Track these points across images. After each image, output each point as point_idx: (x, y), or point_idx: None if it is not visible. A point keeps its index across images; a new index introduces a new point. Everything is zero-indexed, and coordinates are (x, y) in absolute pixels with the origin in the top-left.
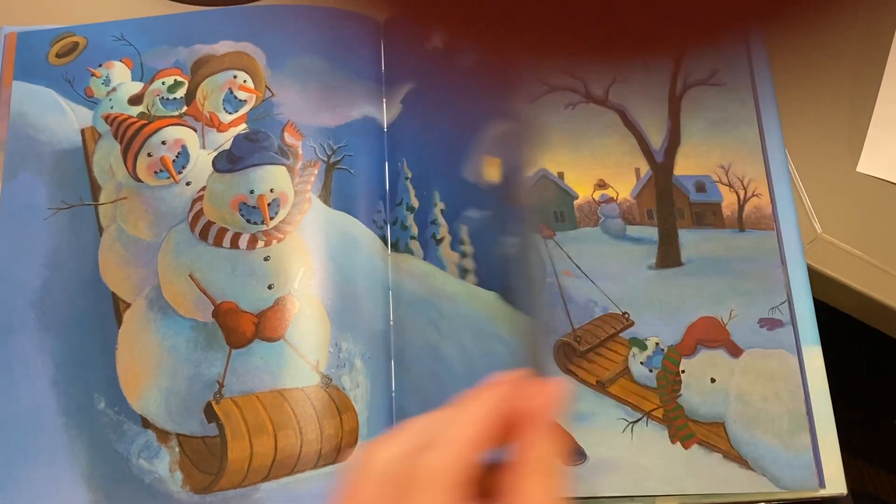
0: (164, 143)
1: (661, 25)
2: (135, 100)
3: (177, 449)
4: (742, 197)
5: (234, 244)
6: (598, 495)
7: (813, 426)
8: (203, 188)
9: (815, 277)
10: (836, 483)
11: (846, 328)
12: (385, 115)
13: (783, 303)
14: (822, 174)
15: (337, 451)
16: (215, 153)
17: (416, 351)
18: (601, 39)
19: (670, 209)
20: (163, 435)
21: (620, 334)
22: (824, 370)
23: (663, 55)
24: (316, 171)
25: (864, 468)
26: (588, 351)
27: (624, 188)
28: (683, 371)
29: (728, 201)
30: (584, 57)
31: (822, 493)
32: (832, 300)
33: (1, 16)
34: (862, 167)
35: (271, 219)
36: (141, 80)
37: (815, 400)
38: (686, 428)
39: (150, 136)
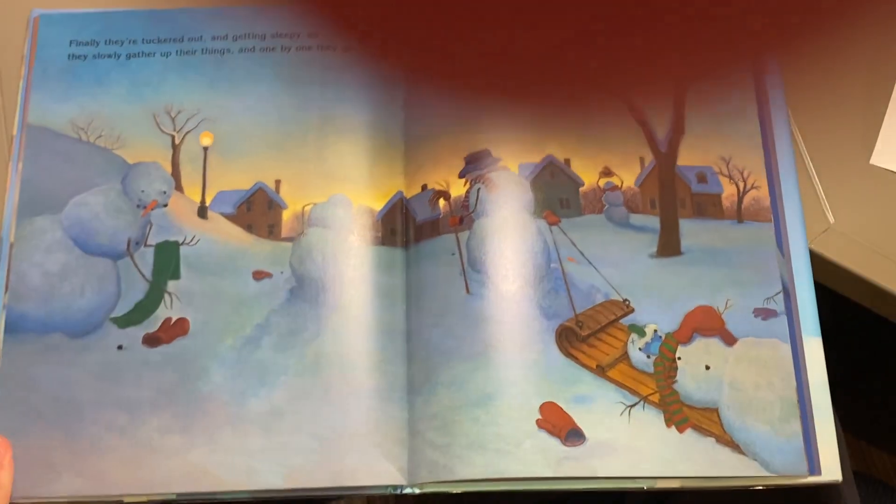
0: None
1: (668, 61)
2: None
3: None
4: (741, 189)
5: None
6: (595, 475)
7: (806, 414)
8: None
9: (827, 267)
10: (831, 470)
11: (857, 314)
12: None
13: (778, 293)
14: (835, 165)
15: None
16: None
17: None
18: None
19: (672, 199)
20: None
21: (621, 320)
22: (824, 361)
23: (669, 87)
24: None
25: (866, 449)
26: (589, 336)
27: (628, 176)
28: (679, 358)
29: (728, 192)
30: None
31: (815, 479)
32: (842, 289)
33: None
34: (876, 160)
35: None
36: None
37: (814, 389)
38: (681, 413)
39: None
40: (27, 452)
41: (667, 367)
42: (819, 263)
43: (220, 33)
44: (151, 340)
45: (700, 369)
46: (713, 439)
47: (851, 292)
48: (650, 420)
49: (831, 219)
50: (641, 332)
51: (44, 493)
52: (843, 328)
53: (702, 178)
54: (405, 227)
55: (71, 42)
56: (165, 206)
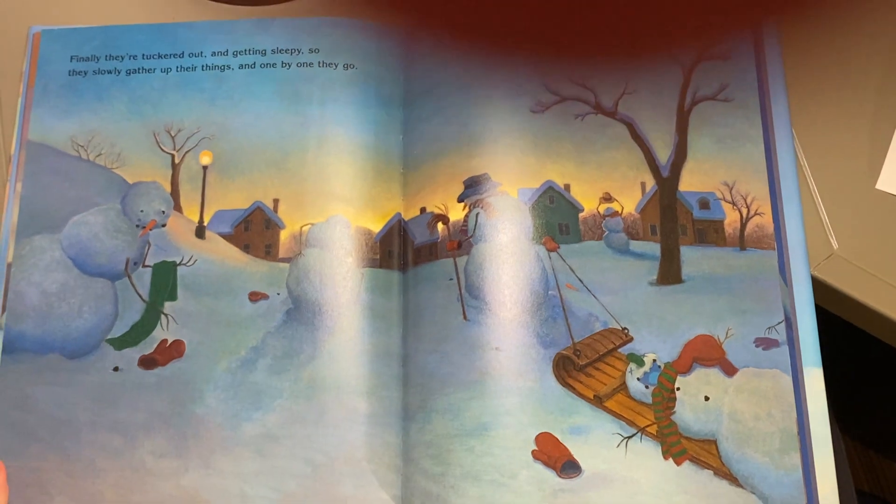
0: None
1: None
2: None
3: None
4: (744, 215)
5: None
6: None
7: (806, 446)
8: None
9: (830, 293)
10: (829, 503)
11: (868, 337)
12: None
13: (780, 323)
14: (840, 190)
15: None
16: None
17: None
18: (613, 45)
19: (673, 225)
20: None
21: (619, 349)
22: (824, 392)
23: (674, 62)
24: None
25: (876, 465)
26: (587, 365)
27: (629, 202)
28: (678, 388)
29: (730, 219)
30: (597, 64)
31: None
32: (846, 316)
33: (26, 14)
34: (882, 185)
35: None
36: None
37: (813, 421)
38: (679, 444)
39: None
40: (22, 474)
41: (665, 397)
42: (822, 290)
43: (220, 48)
44: (147, 362)
45: (699, 400)
46: (711, 472)
47: (855, 319)
48: (647, 452)
49: (835, 244)
50: (640, 362)
51: None
52: (857, 341)
53: (704, 204)
54: (403, 250)
55: (72, 58)
56: (164, 225)
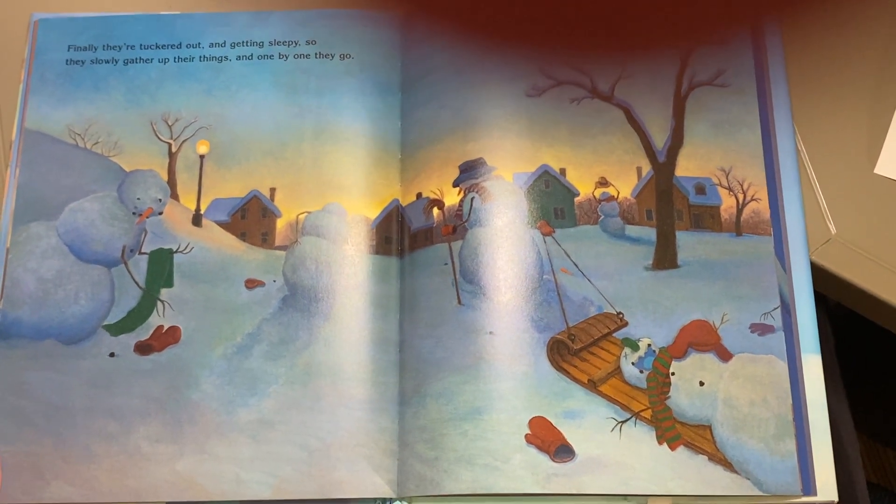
0: None
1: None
2: None
3: None
4: (741, 201)
5: None
6: (584, 492)
7: (802, 433)
8: None
9: (828, 278)
10: (827, 490)
11: (871, 328)
12: None
13: (776, 308)
14: (839, 175)
15: None
16: None
17: None
18: (610, 29)
19: (669, 210)
20: None
21: (614, 334)
22: (822, 379)
23: (671, 47)
24: None
25: (883, 456)
26: (581, 349)
27: (625, 187)
28: (673, 373)
29: (727, 204)
30: (594, 48)
31: (809, 499)
32: (844, 301)
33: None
34: (880, 169)
35: None
36: None
37: (811, 408)
38: (673, 430)
39: None
40: (17, 458)
41: (660, 382)
42: (821, 275)
43: (218, 40)
44: (143, 348)
45: (694, 385)
46: (705, 457)
47: (853, 304)
48: (641, 436)
49: (833, 229)
50: (635, 347)
51: (33, 499)
52: (859, 333)
53: (700, 190)
54: (400, 236)
55: (69, 47)
56: (161, 213)
